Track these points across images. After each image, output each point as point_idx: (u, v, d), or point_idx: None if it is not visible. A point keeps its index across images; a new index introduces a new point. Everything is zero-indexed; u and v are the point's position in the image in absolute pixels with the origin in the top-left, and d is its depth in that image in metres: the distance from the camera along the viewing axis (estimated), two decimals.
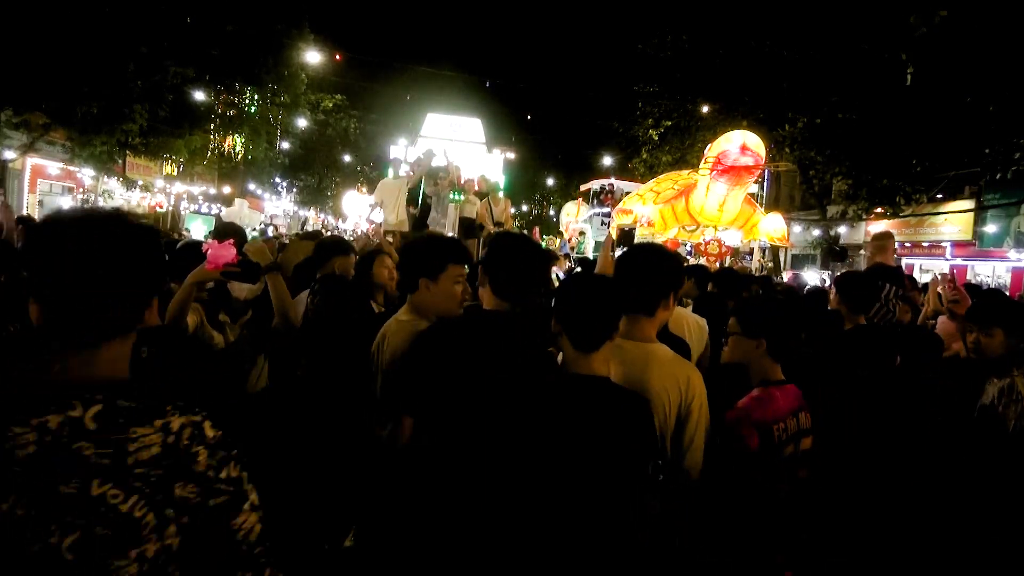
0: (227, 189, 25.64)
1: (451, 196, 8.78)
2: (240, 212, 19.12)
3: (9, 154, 14.49)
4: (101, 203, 17.90)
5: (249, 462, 1.15)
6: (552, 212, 43.52)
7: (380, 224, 8.01)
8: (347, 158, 35.39)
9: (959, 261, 16.04)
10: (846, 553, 2.33)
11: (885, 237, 5.24)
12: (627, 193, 17.70)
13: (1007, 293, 11.05)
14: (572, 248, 19.12)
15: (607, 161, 31.99)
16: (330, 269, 3.63)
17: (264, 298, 3.13)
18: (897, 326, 4.08)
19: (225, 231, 4.44)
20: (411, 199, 9.18)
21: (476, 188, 9.65)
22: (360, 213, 17.11)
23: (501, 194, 10.39)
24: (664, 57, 17.19)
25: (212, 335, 2.93)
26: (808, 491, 2.19)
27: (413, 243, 2.58)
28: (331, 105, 31.28)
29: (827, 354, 3.02)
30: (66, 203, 17.73)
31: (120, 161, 17.89)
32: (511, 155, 28.46)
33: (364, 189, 23.93)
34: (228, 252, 2.53)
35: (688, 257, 11.51)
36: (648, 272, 2.18)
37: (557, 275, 4.25)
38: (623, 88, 20.68)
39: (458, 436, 1.94)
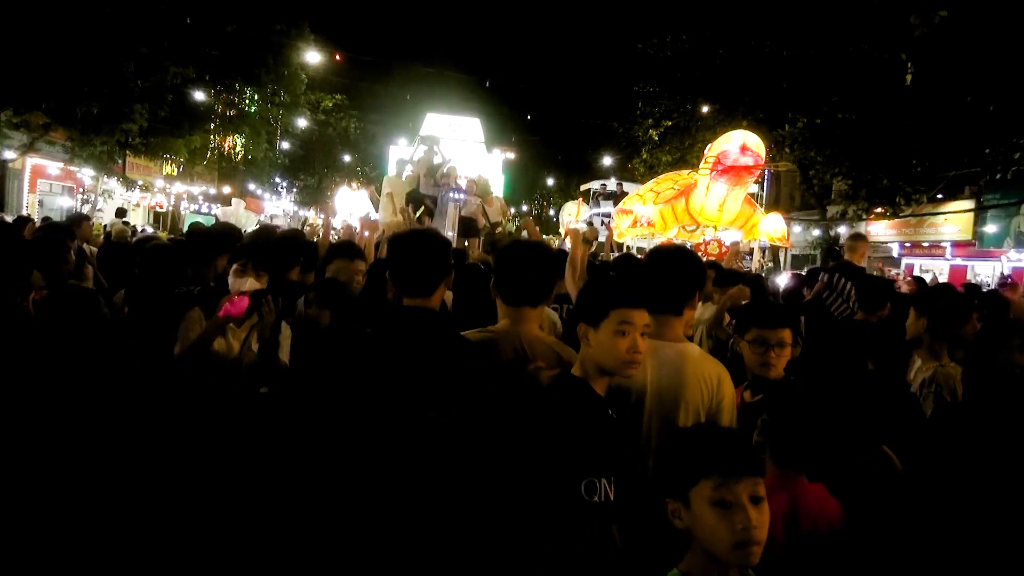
0: (227, 189, 25.65)
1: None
2: (236, 212, 19.13)
3: (9, 154, 14.49)
4: (101, 203, 17.90)
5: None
6: (552, 212, 43.51)
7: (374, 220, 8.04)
8: (347, 158, 35.40)
9: (959, 261, 16.03)
10: None
11: (858, 239, 5.66)
12: (626, 192, 17.70)
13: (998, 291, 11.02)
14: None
15: (607, 161, 31.98)
16: (332, 273, 3.62)
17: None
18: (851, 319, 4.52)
19: (223, 232, 4.46)
20: (411, 199, 9.21)
21: (475, 189, 9.67)
22: (350, 211, 17.04)
23: (496, 195, 10.38)
24: (664, 57, 17.15)
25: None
26: None
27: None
28: (331, 105, 31.30)
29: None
30: (66, 203, 17.73)
31: (120, 161, 17.89)
32: (511, 155, 28.49)
33: (355, 185, 23.90)
34: (241, 304, 2.72)
35: None
36: (674, 273, 2.25)
37: None
38: (623, 88, 20.68)
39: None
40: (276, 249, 3.51)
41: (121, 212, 15.15)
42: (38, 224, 6.76)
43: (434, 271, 2.12)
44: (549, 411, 1.81)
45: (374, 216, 10.30)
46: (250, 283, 2.92)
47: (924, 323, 3.03)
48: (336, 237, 7.39)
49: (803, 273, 6.81)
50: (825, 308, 4.76)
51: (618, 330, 1.84)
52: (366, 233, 5.12)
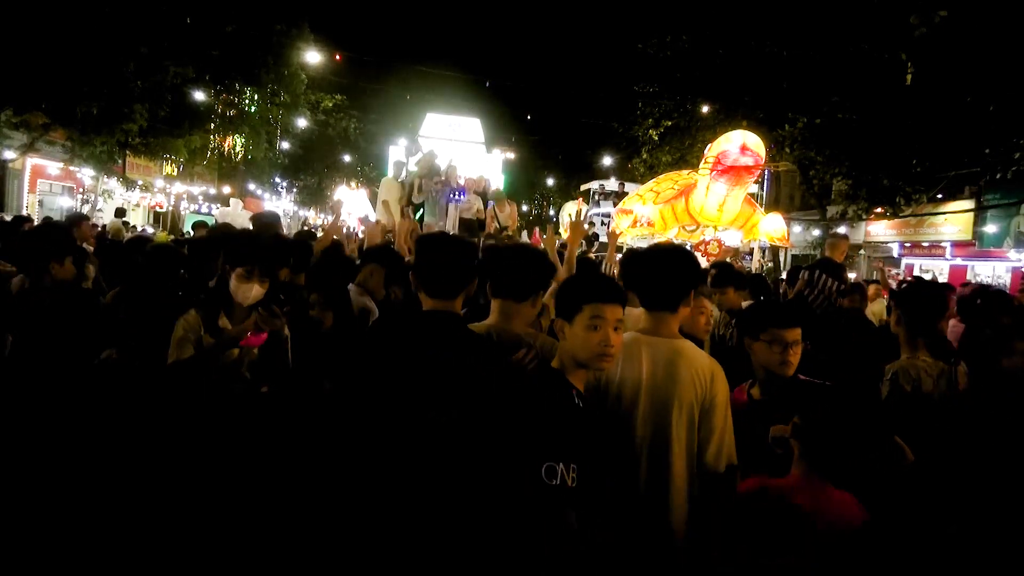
0: (227, 189, 25.63)
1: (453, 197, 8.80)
2: (235, 212, 19.05)
3: (9, 154, 14.49)
4: (101, 203, 17.89)
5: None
6: (552, 212, 43.51)
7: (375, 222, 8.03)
8: (347, 158, 35.38)
9: (959, 261, 16.03)
10: None
11: (838, 237, 6.05)
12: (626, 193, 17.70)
13: (1007, 292, 11.03)
14: None
15: (607, 161, 31.97)
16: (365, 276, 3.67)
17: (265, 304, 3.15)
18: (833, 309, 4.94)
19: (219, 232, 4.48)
20: (410, 200, 9.22)
21: (476, 188, 9.68)
22: (349, 210, 17.11)
23: (510, 201, 10.45)
24: (664, 57, 17.14)
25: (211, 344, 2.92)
26: None
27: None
28: (331, 105, 31.28)
29: None
30: (66, 203, 17.73)
31: (120, 161, 17.88)
32: (511, 155, 28.45)
33: (354, 184, 23.86)
34: (261, 339, 2.84)
35: None
36: (670, 271, 2.31)
37: None
38: (623, 88, 20.66)
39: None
40: (271, 252, 3.52)
41: (120, 212, 15.18)
42: (36, 224, 6.76)
43: (460, 275, 2.15)
44: (516, 398, 1.87)
45: (372, 216, 10.30)
46: (256, 290, 2.93)
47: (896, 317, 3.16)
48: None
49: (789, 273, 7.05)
50: (807, 304, 4.94)
51: (590, 324, 1.90)
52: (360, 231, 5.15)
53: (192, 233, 11.34)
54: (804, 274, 5.24)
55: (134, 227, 14.94)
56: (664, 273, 2.30)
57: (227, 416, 2.78)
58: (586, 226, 3.61)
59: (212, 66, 18.41)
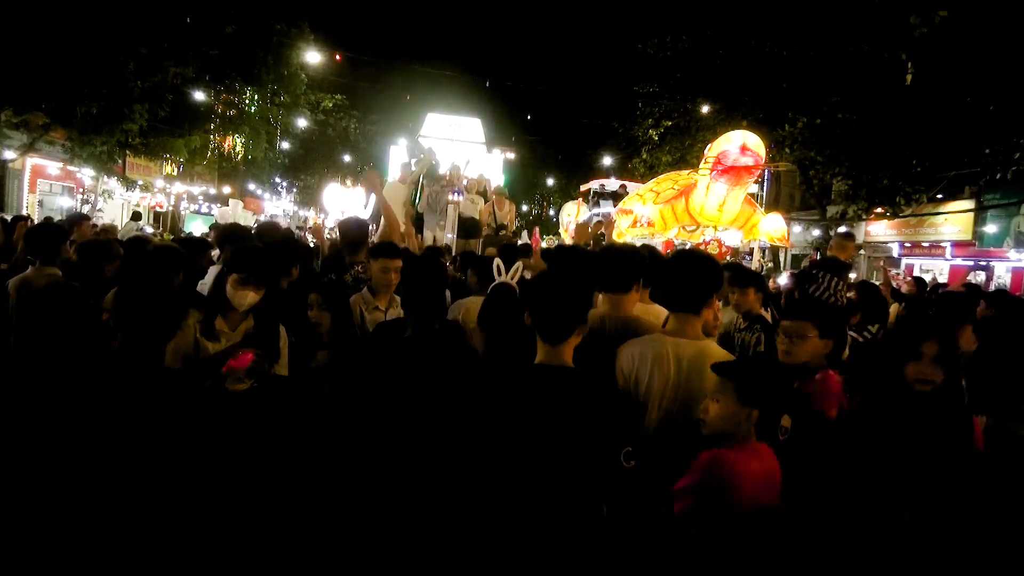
0: (227, 189, 25.62)
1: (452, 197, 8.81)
2: (234, 212, 19.08)
3: (9, 154, 14.48)
4: (101, 203, 17.89)
5: None
6: (552, 212, 43.49)
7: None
8: (347, 158, 35.36)
9: (959, 261, 16.02)
10: None
11: (847, 238, 6.16)
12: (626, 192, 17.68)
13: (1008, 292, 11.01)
14: None
15: (607, 161, 31.97)
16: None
17: (263, 307, 3.14)
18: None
19: (227, 235, 4.47)
20: (410, 198, 9.23)
21: (477, 188, 9.70)
22: (342, 209, 17.07)
23: (509, 200, 10.47)
24: (664, 57, 17.15)
25: (207, 347, 2.89)
26: None
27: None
28: (331, 105, 31.25)
29: None
30: (66, 203, 17.73)
31: (120, 161, 17.87)
32: (511, 155, 28.44)
33: (348, 182, 23.79)
34: (245, 361, 2.83)
35: None
36: (696, 276, 2.48)
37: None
38: (623, 88, 20.69)
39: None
40: (274, 259, 3.51)
41: (137, 216, 15.26)
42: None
43: (571, 315, 2.14)
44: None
45: (364, 211, 10.28)
46: (250, 297, 2.93)
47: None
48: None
49: (797, 273, 7.04)
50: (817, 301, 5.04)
51: None
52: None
53: (191, 233, 11.30)
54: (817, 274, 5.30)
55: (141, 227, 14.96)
56: (690, 278, 2.46)
57: (222, 419, 2.78)
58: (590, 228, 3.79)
59: (212, 66, 18.40)
